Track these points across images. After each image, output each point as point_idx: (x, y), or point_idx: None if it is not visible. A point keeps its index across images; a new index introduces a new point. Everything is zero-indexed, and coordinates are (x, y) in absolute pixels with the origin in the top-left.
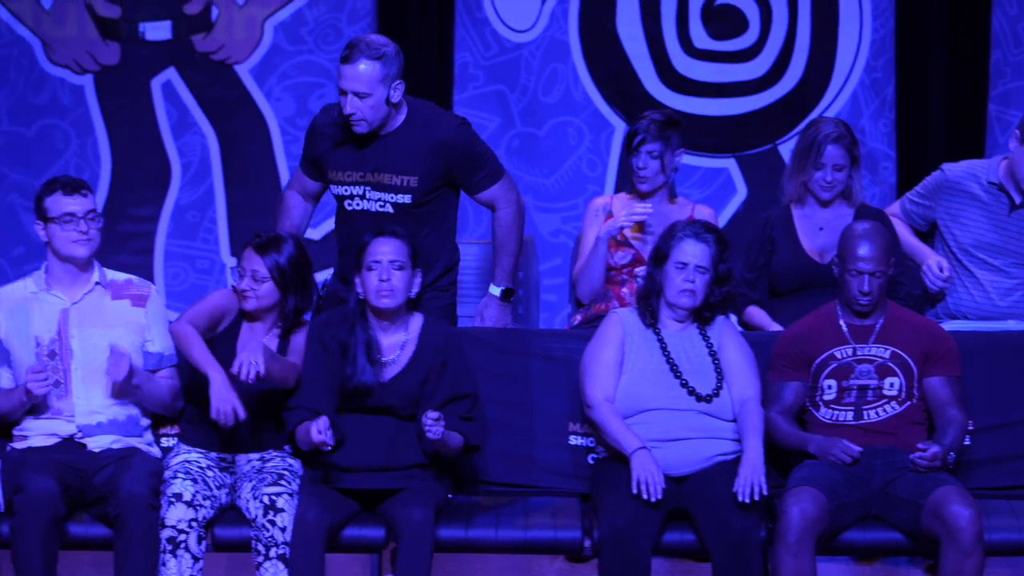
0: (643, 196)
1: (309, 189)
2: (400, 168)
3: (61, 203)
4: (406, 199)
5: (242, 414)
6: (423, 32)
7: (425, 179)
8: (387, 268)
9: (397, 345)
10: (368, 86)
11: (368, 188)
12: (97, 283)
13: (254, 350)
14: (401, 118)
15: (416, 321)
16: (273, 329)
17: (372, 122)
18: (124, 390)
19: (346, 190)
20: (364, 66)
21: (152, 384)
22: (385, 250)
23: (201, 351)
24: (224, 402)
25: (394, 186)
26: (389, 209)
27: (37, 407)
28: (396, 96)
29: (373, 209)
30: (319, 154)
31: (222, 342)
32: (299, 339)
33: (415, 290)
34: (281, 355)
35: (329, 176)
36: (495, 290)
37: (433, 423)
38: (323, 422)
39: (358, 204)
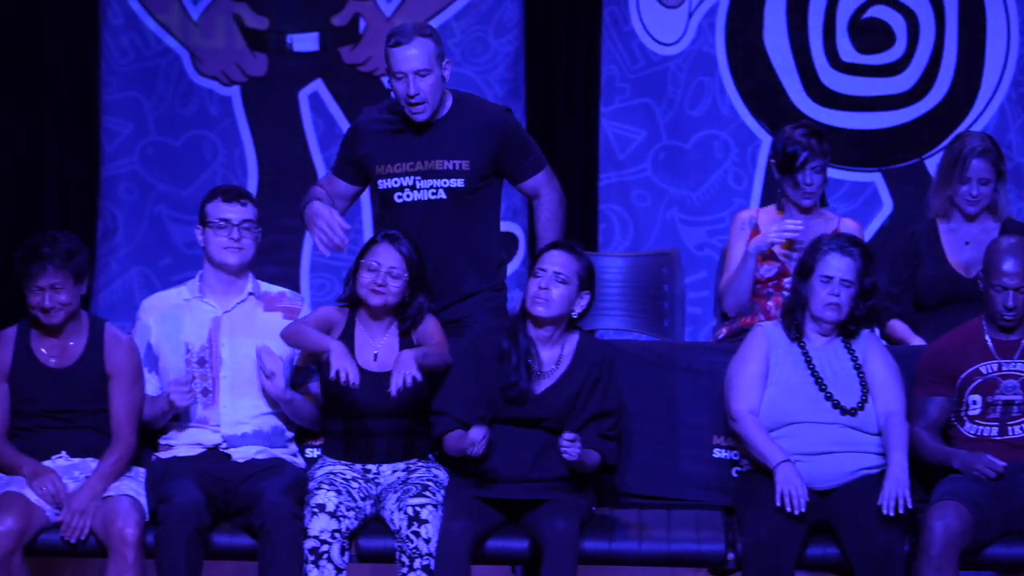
0: (802, 211)
1: (340, 192)
2: (452, 152)
3: (219, 209)
4: (459, 183)
5: (356, 380)
6: (570, 45)
7: (476, 163)
8: (550, 278)
9: (554, 358)
10: (427, 62)
11: (418, 178)
12: (251, 293)
13: (405, 363)
14: (449, 104)
15: (573, 337)
16: (391, 327)
17: (432, 103)
18: (274, 394)
19: (395, 182)
20: (420, 43)
21: (302, 401)
22: (555, 260)
23: (313, 333)
24: (343, 362)
25: (446, 171)
26: (442, 195)
27: (179, 416)
28: (447, 75)
29: (424, 198)
30: (364, 152)
31: None
32: (423, 329)
33: (577, 310)
34: (405, 346)
35: (376, 171)
36: None
37: (569, 444)
38: (479, 432)
39: (407, 196)
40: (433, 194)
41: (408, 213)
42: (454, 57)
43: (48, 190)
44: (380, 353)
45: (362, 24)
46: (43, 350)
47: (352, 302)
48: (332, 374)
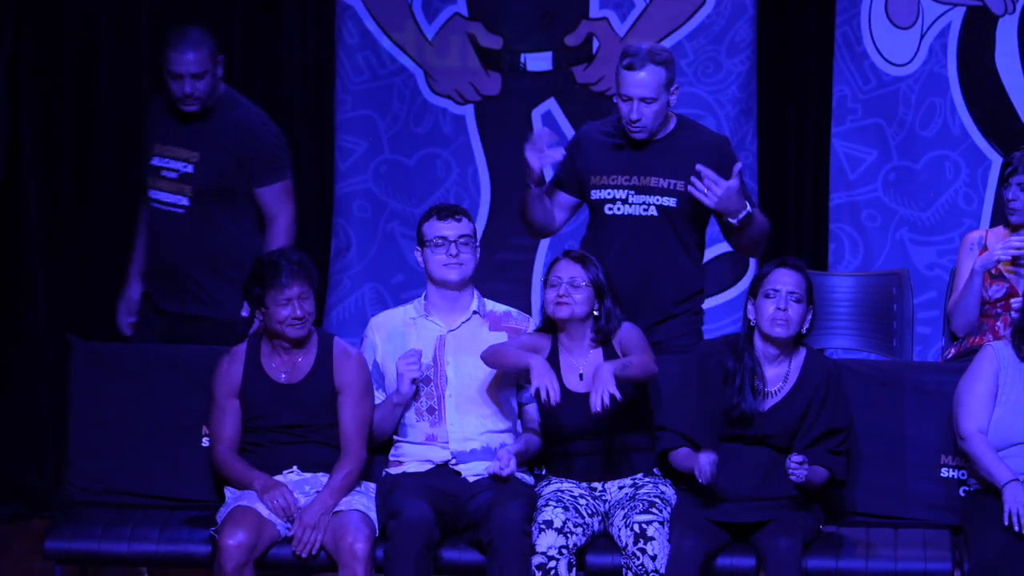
0: (1014, 228)
1: (560, 202)
2: (669, 171)
3: (435, 227)
4: (671, 202)
5: (557, 396)
6: (803, 65)
7: (680, 177)
8: (785, 298)
9: (780, 376)
10: (655, 91)
11: (632, 192)
12: (475, 312)
13: (602, 379)
14: (672, 125)
15: (800, 354)
16: (591, 345)
17: (652, 128)
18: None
19: (608, 194)
20: (650, 71)
21: (532, 442)
22: (786, 280)
23: (513, 352)
24: (544, 378)
25: (661, 188)
26: (653, 212)
27: (408, 426)
28: (674, 101)
29: (636, 213)
30: (582, 163)
31: None
32: (625, 336)
33: (806, 327)
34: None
35: (592, 181)
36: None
37: (797, 467)
38: (707, 459)
39: (619, 208)
40: (644, 210)
41: (617, 226)
42: (686, 77)
43: None
44: (585, 372)
45: (595, 44)
46: (273, 365)
47: (550, 327)
48: (532, 391)
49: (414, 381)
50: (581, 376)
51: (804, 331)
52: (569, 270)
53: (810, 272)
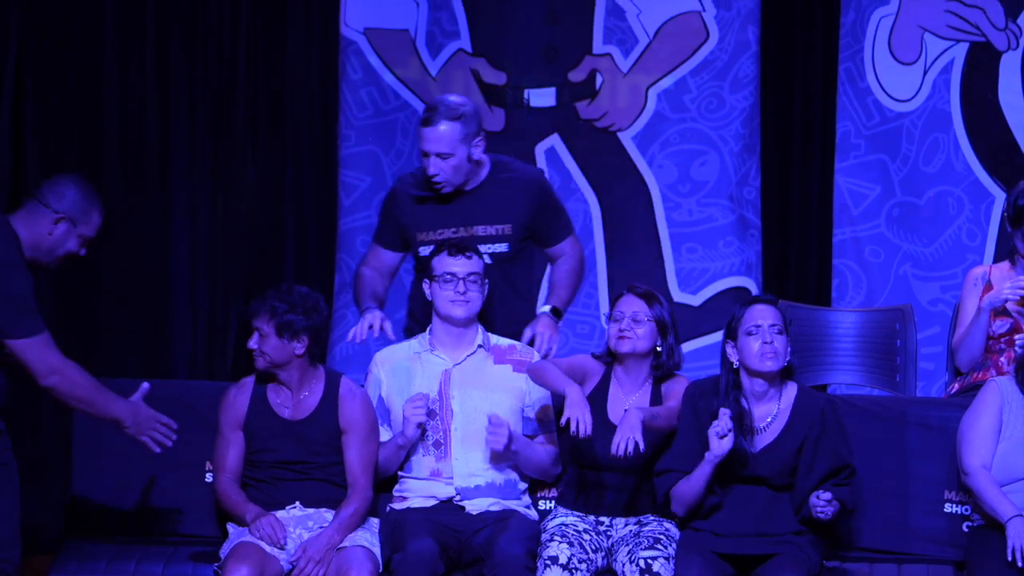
0: None
1: (386, 263)
2: (493, 216)
3: (445, 263)
4: (503, 248)
5: (588, 429)
6: (806, 100)
7: (517, 225)
8: (768, 331)
9: (769, 414)
10: (450, 146)
11: None
12: (480, 346)
13: (630, 424)
14: (485, 171)
15: (791, 390)
16: (646, 382)
17: (454, 182)
18: (503, 457)
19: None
20: (444, 127)
21: (530, 450)
22: (765, 315)
23: (558, 375)
24: (576, 409)
25: (489, 236)
26: (487, 259)
27: (413, 461)
28: (477, 153)
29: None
30: (404, 221)
31: (590, 403)
32: (673, 386)
33: (788, 357)
34: (655, 404)
35: (419, 238)
36: (545, 308)
37: (825, 504)
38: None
39: None
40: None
41: None
42: (689, 113)
43: (287, 242)
44: (631, 407)
45: (599, 79)
46: (278, 401)
47: (610, 356)
48: (563, 420)
49: (419, 425)
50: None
51: (786, 362)
52: (632, 305)
53: (813, 308)
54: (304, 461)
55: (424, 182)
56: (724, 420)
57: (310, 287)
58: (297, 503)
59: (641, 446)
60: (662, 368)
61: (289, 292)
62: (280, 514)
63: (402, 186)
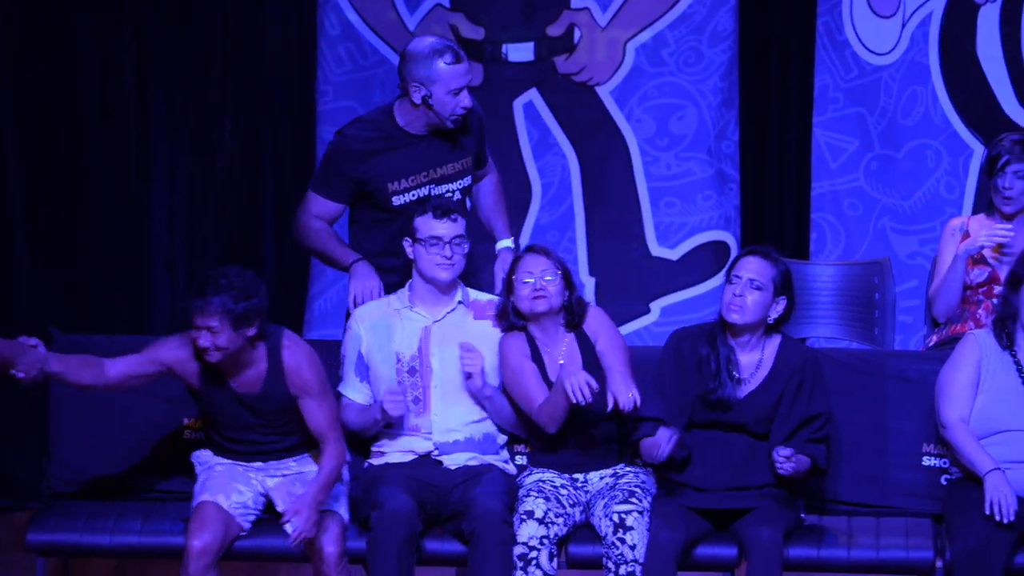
0: (1006, 217)
1: (332, 214)
2: (456, 153)
3: (430, 225)
4: (468, 181)
5: (595, 385)
6: (785, 54)
7: (472, 155)
8: (744, 285)
9: (753, 364)
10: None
11: (433, 185)
12: (460, 302)
13: (575, 371)
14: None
15: (774, 341)
16: (565, 334)
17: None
18: (473, 390)
19: (413, 195)
20: (467, 62)
21: (503, 400)
22: (749, 267)
23: (532, 379)
24: (573, 379)
25: (456, 172)
26: (457, 195)
27: (391, 424)
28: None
29: None
30: (362, 175)
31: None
32: (592, 323)
33: (773, 315)
34: (586, 347)
35: (391, 189)
36: (508, 242)
37: (784, 460)
38: (664, 434)
39: None
40: (451, 197)
41: None
42: (667, 67)
43: (265, 198)
44: (566, 361)
45: (577, 34)
46: (225, 374)
47: (514, 325)
48: (570, 396)
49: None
50: (562, 367)
51: (772, 320)
52: (538, 264)
53: (792, 261)
54: (265, 425)
55: (383, 132)
56: (663, 445)
57: (289, 244)
58: (267, 459)
59: (593, 384)
60: (575, 317)
61: (229, 281)
62: (241, 470)
63: (351, 140)
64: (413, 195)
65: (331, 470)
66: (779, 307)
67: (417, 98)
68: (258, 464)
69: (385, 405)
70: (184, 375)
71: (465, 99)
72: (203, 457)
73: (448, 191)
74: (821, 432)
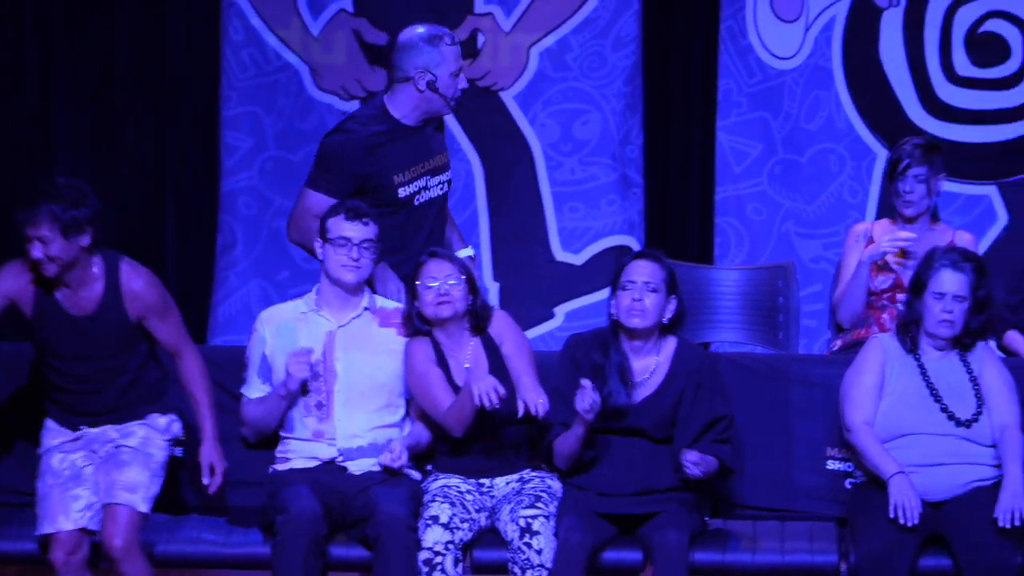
0: (907, 221)
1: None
2: (440, 146)
3: (340, 226)
4: (451, 174)
5: (502, 391)
6: (688, 59)
7: (447, 149)
8: (641, 289)
9: (649, 368)
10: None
11: (429, 176)
12: (366, 308)
13: (482, 375)
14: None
15: (670, 344)
16: (471, 338)
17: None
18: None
19: (415, 185)
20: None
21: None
22: (641, 271)
23: (438, 385)
24: (481, 384)
25: (443, 165)
26: (445, 188)
27: (296, 422)
28: None
29: (436, 195)
30: (369, 168)
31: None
32: (497, 326)
33: (667, 316)
34: (491, 351)
35: (397, 180)
36: (469, 251)
37: (692, 465)
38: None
39: (425, 196)
40: (441, 189)
41: (424, 212)
42: (571, 72)
43: (169, 204)
44: (472, 365)
45: (480, 39)
46: (60, 297)
47: (419, 331)
48: (477, 400)
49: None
50: (468, 371)
51: (666, 321)
52: (442, 269)
53: (696, 266)
54: (96, 355)
55: (387, 126)
56: (587, 393)
57: (192, 249)
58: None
59: (500, 389)
60: (480, 320)
61: (58, 189)
62: (74, 459)
63: (356, 135)
64: (414, 186)
65: (203, 385)
66: (672, 307)
67: (422, 84)
68: (93, 433)
69: (289, 366)
70: (21, 302)
71: (463, 80)
72: (45, 441)
73: (440, 182)
74: (725, 434)
